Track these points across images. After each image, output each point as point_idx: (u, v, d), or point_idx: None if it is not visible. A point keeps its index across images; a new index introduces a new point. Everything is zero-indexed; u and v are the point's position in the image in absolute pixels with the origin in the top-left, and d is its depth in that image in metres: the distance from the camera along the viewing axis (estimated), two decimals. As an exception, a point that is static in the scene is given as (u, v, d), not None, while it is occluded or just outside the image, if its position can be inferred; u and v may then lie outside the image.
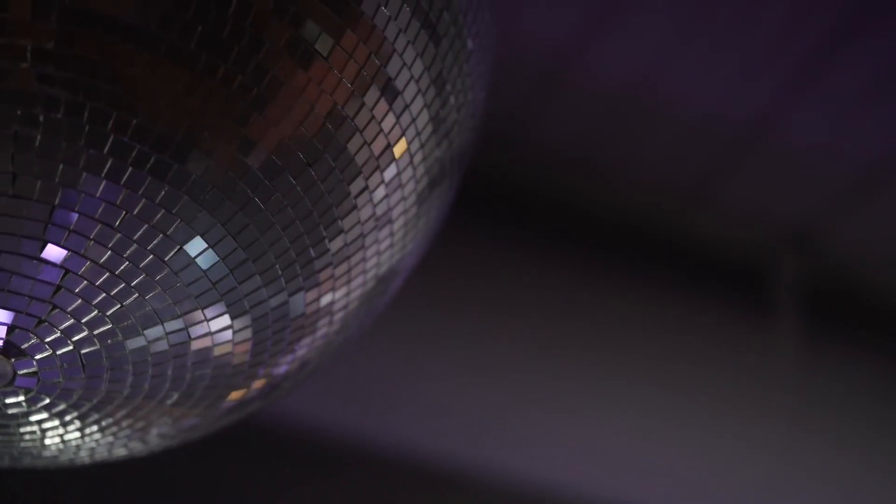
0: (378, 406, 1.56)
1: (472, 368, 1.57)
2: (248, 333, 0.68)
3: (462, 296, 1.59)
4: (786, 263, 1.70)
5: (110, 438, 0.72)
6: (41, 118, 0.60)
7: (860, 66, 1.48)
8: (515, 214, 1.66)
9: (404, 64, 0.66)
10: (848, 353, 1.73)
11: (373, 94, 0.65)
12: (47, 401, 0.67)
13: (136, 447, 0.74)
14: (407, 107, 0.67)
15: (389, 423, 1.56)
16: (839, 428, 1.67)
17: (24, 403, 0.67)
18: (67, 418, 0.68)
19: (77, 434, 0.70)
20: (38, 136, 0.60)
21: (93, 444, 0.72)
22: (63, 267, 0.63)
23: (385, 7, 0.64)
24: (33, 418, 0.68)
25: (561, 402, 1.60)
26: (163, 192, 0.62)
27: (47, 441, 0.70)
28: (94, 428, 0.70)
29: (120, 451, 0.74)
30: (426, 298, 1.56)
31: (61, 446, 0.71)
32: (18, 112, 0.60)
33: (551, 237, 1.67)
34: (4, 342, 0.64)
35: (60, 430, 0.69)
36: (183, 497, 1.62)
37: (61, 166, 0.61)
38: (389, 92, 0.66)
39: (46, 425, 0.69)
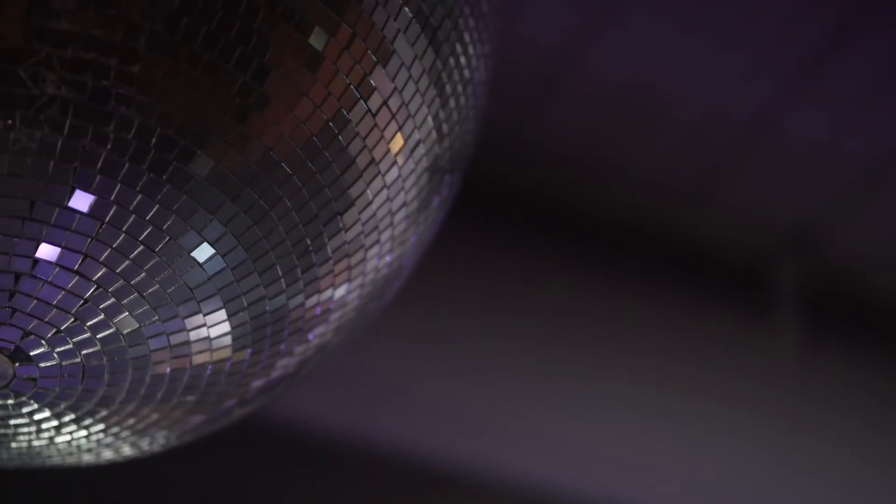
0: (378, 406, 1.56)
1: (472, 368, 1.57)
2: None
3: (462, 296, 1.59)
4: (786, 263, 1.70)
5: (73, 449, 0.71)
6: (111, 136, 0.60)
7: (860, 65, 1.47)
8: (515, 214, 1.66)
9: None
10: (848, 353, 1.73)
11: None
12: (34, 406, 0.67)
13: (90, 460, 0.74)
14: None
15: (389, 423, 1.56)
16: (839, 428, 1.67)
17: (10, 407, 0.66)
18: (45, 426, 0.68)
19: (45, 441, 0.70)
20: (104, 155, 0.60)
21: (53, 452, 0.72)
22: (96, 282, 0.63)
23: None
24: (12, 421, 0.68)
25: (561, 402, 1.60)
26: (208, 224, 0.63)
27: (13, 444, 0.70)
28: (66, 438, 0.70)
29: (71, 461, 0.74)
30: (426, 298, 1.55)
31: (24, 450, 0.71)
32: (90, 128, 0.60)
33: (551, 237, 1.66)
34: (15, 346, 0.64)
35: (32, 436, 0.69)
36: (183, 497, 1.62)
37: (119, 186, 0.61)
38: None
39: (22, 429, 0.69)
